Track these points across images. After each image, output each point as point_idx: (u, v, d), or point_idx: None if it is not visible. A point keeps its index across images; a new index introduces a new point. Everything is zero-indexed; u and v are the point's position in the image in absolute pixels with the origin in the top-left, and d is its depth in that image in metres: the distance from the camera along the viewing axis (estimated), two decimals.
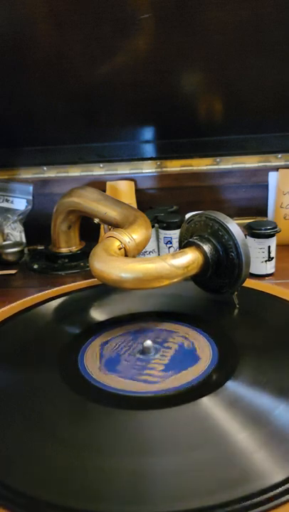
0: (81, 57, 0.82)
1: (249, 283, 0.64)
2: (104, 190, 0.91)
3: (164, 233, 0.81)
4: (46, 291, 0.68)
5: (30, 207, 0.95)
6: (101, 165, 0.96)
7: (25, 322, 0.61)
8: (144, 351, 0.51)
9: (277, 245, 0.75)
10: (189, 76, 0.86)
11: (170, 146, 0.95)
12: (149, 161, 0.96)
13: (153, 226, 0.80)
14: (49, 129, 0.94)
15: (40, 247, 0.94)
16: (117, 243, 0.61)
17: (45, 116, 0.92)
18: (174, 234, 0.80)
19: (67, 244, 0.85)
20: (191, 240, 0.59)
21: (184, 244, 0.60)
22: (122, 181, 0.93)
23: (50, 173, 0.96)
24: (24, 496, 0.34)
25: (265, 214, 0.93)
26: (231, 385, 0.45)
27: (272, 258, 0.75)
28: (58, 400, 0.45)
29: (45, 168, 0.96)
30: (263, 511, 0.32)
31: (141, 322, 0.58)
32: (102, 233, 0.87)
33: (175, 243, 0.81)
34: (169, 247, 0.82)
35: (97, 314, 0.62)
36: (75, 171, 0.96)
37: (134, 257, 0.63)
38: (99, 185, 0.90)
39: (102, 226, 0.83)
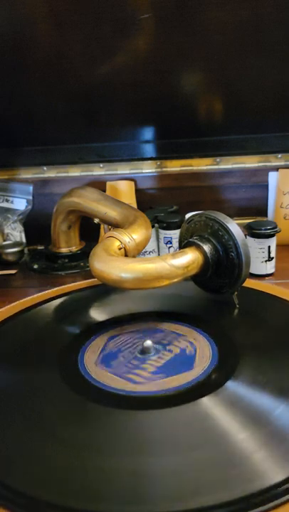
0: (81, 57, 0.82)
1: (249, 283, 0.64)
2: (105, 190, 0.91)
3: (164, 233, 0.81)
4: (46, 291, 0.68)
5: (30, 207, 0.95)
6: (101, 165, 0.96)
7: (25, 322, 0.61)
8: (143, 351, 0.51)
9: (277, 245, 0.75)
10: (189, 76, 0.86)
11: (170, 146, 0.95)
12: (149, 161, 0.96)
13: (153, 226, 0.80)
14: (49, 129, 0.94)
15: (40, 247, 0.94)
16: (117, 243, 0.61)
17: (45, 116, 0.92)
18: (174, 234, 0.80)
19: (67, 244, 0.85)
20: (191, 240, 0.59)
21: (183, 244, 0.60)
22: (122, 181, 0.93)
23: (50, 173, 0.96)
24: (24, 496, 0.34)
25: (265, 214, 0.93)
26: (231, 385, 0.45)
27: (272, 258, 0.75)
28: (57, 400, 0.45)
29: (45, 168, 0.96)
30: (263, 511, 0.32)
31: (141, 322, 0.58)
32: (102, 233, 0.87)
33: (175, 243, 0.81)
34: (169, 247, 0.82)
35: (97, 314, 0.62)
36: (75, 171, 0.96)
37: (134, 257, 0.63)
38: (99, 185, 0.90)
39: (102, 226, 0.83)
